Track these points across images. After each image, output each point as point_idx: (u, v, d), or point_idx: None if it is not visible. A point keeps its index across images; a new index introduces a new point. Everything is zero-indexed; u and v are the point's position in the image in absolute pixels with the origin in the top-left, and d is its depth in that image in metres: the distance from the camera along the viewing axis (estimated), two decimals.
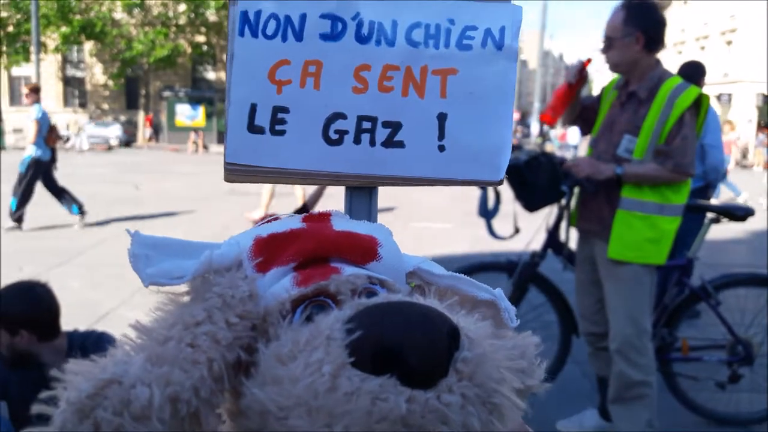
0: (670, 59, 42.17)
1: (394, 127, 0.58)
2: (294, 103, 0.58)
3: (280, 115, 0.59)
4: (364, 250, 0.48)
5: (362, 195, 0.60)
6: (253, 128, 0.59)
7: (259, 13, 0.58)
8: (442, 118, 0.58)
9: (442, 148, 0.59)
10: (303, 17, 0.58)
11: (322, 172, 0.59)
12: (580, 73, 3.08)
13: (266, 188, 8.50)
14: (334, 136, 0.59)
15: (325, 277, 0.45)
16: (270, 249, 0.47)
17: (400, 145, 0.59)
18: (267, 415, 0.38)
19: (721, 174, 5.48)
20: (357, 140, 0.58)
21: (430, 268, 0.52)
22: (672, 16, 47.74)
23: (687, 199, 2.97)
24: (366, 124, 0.58)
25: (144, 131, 29.36)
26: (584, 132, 3.35)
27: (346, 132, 0.59)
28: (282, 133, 0.59)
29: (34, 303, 2.39)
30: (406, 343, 0.36)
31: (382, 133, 0.58)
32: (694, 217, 4.94)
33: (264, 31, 0.58)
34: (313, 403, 0.36)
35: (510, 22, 0.58)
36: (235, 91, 0.59)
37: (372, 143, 0.59)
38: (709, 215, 3.60)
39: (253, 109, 0.59)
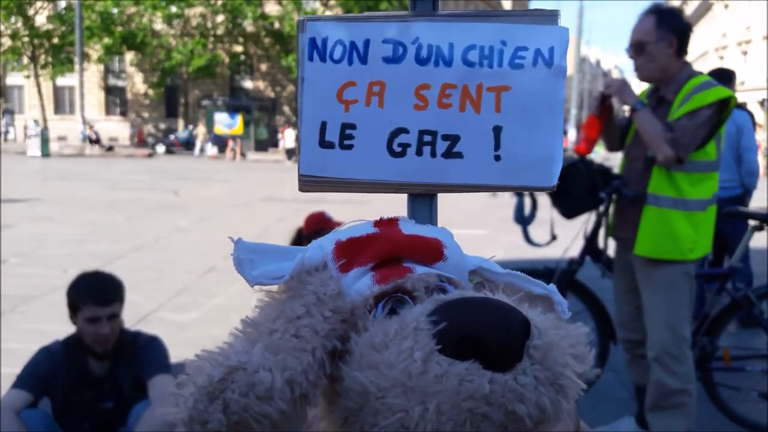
0: (712, 64, 41.31)
1: (453, 139, 0.64)
2: (360, 120, 0.65)
3: (348, 131, 0.65)
4: (431, 252, 0.54)
5: (424, 201, 0.66)
6: (324, 143, 0.65)
7: (326, 39, 0.65)
8: (497, 130, 0.64)
9: (498, 158, 0.64)
10: (367, 43, 0.65)
11: (387, 182, 0.65)
12: (603, 104, 3.10)
13: None
14: (398, 149, 0.65)
15: (401, 276, 0.51)
16: (350, 251, 0.54)
17: (459, 155, 0.65)
18: (367, 395, 0.44)
19: (757, 178, 5.36)
20: (419, 152, 0.65)
21: (490, 266, 0.58)
22: (713, 20, 46.82)
23: (712, 197, 2.91)
24: (427, 138, 0.64)
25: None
26: (610, 149, 3.36)
27: (408, 145, 0.65)
28: (350, 147, 0.65)
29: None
30: (487, 332, 0.42)
31: (442, 146, 0.64)
32: (735, 225, 4.87)
33: (331, 55, 0.65)
34: (408, 384, 0.43)
35: (558, 42, 0.63)
36: (307, 111, 0.65)
37: (433, 154, 0.65)
38: (752, 223, 3.55)
39: (324, 126, 0.65)
